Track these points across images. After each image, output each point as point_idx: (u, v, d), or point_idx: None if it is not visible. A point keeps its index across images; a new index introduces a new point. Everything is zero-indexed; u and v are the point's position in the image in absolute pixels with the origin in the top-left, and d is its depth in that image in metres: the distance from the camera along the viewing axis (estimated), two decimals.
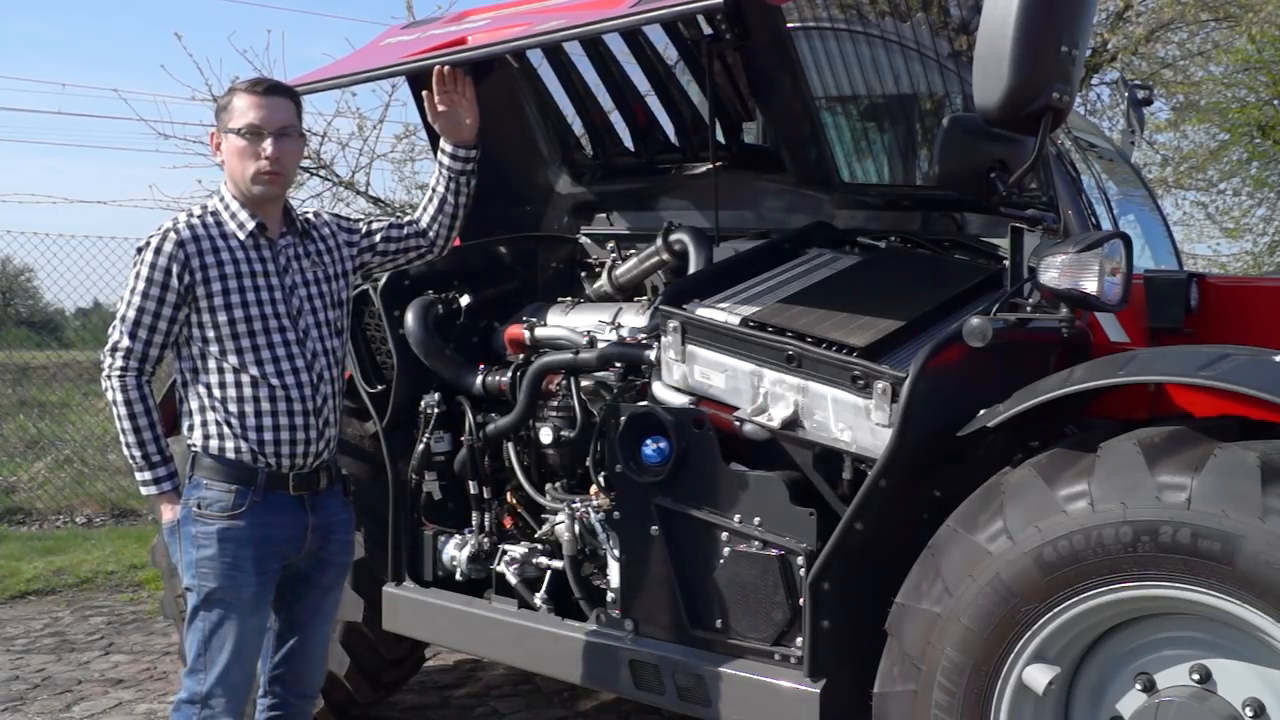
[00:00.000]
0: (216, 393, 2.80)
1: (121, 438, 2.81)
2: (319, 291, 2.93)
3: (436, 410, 3.77)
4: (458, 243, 3.98)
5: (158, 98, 21.23)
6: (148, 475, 2.81)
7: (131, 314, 2.76)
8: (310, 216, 3.03)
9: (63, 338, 13.65)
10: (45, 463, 9.50)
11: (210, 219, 2.83)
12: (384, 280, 3.74)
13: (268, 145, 2.78)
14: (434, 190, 3.20)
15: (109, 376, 2.79)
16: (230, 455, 2.80)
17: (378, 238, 3.13)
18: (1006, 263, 2.92)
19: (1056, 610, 2.40)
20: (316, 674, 3.10)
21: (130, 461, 2.83)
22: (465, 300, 3.98)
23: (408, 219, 3.22)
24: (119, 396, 2.77)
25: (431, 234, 3.20)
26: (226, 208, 2.85)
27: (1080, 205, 3.23)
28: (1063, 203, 3.05)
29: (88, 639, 5.67)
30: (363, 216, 3.25)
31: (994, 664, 2.46)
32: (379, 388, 3.89)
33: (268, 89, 2.83)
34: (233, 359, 2.78)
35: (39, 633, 5.81)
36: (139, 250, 2.80)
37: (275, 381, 2.80)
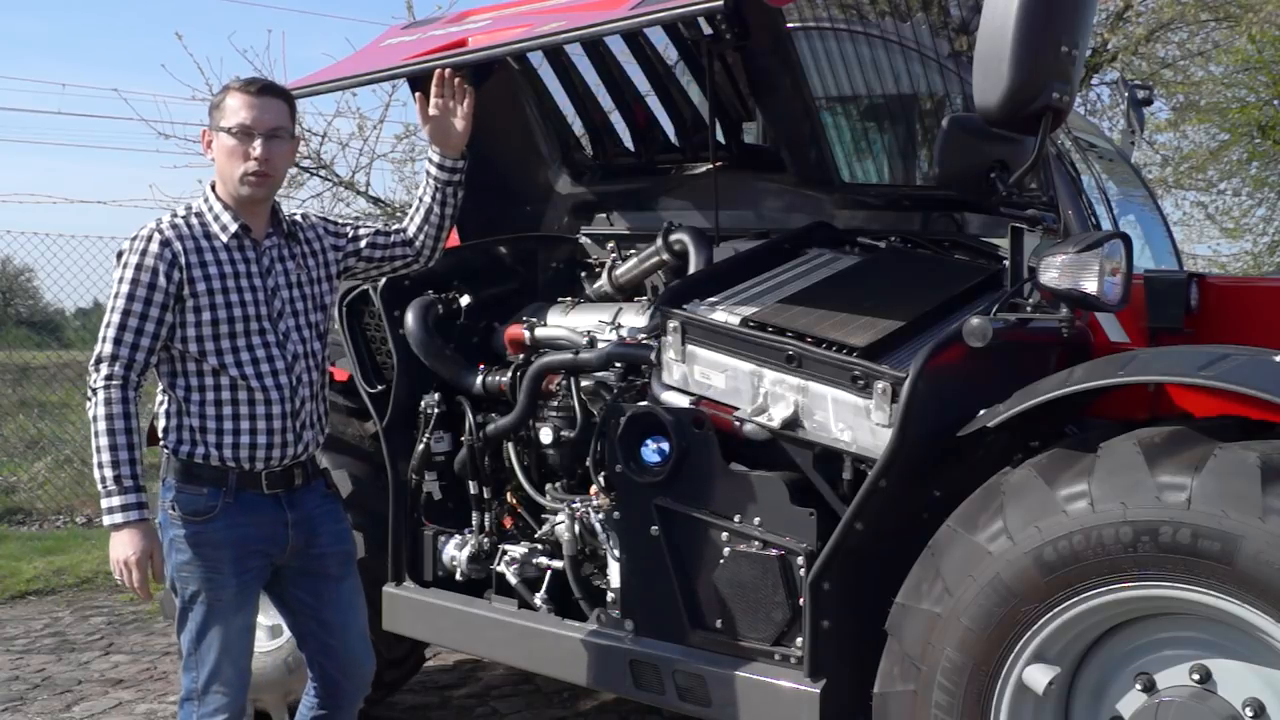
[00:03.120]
0: (195, 396, 2.76)
1: (95, 455, 2.65)
2: (302, 294, 2.90)
3: (436, 410, 3.77)
4: (456, 242, 3.98)
5: (158, 98, 21.32)
6: (116, 501, 2.64)
7: (116, 318, 2.69)
8: (298, 218, 3.00)
9: (63, 338, 13.68)
10: (45, 463, 9.49)
11: (194, 220, 2.80)
12: (384, 280, 3.73)
13: (257, 146, 2.75)
14: (420, 199, 3.14)
15: (94, 391, 2.68)
16: (199, 460, 2.75)
17: (363, 243, 3.07)
18: (1006, 263, 2.92)
19: (1056, 610, 2.40)
20: (365, 665, 3.03)
21: (99, 483, 2.66)
22: (465, 300, 3.98)
23: (395, 227, 3.17)
24: (100, 411, 2.65)
25: (418, 244, 3.14)
26: (210, 209, 2.82)
27: (1080, 205, 3.23)
28: (1063, 203, 3.04)
29: (88, 639, 5.67)
30: (351, 220, 3.19)
31: (994, 664, 2.46)
32: (379, 388, 3.89)
33: (261, 89, 2.80)
34: (212, 360, 2.74)
35: (39, 633, 5.81)
36: (120, 255, 2.74)
37: (255, 384, 2.76)
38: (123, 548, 2.67)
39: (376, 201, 9.24)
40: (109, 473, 2.65)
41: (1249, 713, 2.34)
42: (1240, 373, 2.40)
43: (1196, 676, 2.40)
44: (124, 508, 2.66)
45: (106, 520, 2.68)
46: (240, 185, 2.77)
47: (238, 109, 2.76)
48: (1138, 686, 2.47)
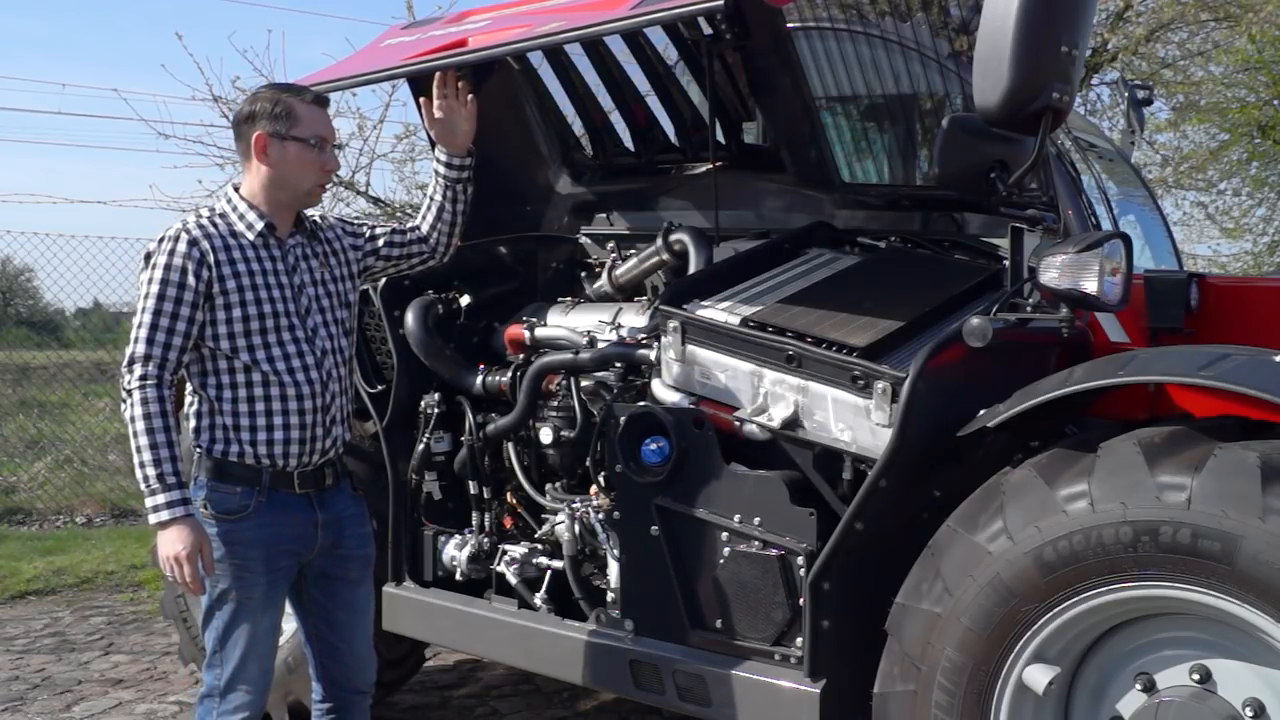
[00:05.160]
0: (227, 394, 2.78)
1: (135, 455, 2.66)
2: (326, 291, 2.94)
3: (436, 410, 3.77)
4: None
5: (158, 98, 21.35)
6: (161, 499, 2.63)
7: (148, 319, 2.69)
8: (318, 219, 3.05)
9: (63, 338, 13.66)
10: (45, 463, 9.50)
11: (219, 219, 2.83)
12: (383, 280, 3.74)
13: (331, 157, 2.86)
14: (431, 198, 3.21)
15: (129, 392, 2.67)
16: (233, 459, 2.78)
17: (381, 242, 3.13)
18: (1006, 263, 2.92)
19: (1056, 610, 2.40)
20: (368, 669, 3.07)
21: (142, 483, 2.65)
22: (465, 300, 3.98)
23: (410, 225, 3.23)
24: (137, 411, 2.64)
25: (433, 241, 3.20)
26: (234, 209, 2.85)
27: (1080, 205, 3.23)
28: (1063, 203, 3.05)
29: (88, 639, 5.67)
30: (366, 220, 3.24)
31: (994, 664, 2.47)
32: (379, 388, 3.89)
33: (324, 102, 2.91)
34: (244, 356, 2.77)
35: (39, 633, 5.81)
36: (148, 255, 2.77)
37: (286, 379, 2.80)
38: (171, 544, 2.65)
39: (376, 201, 9.24)
40: (151, 471, 2.64)
41: (1249, 713, 2.34)
42: (1240, 373, 2.40)
43: (1196, 676, 2.40)
44: (169, 504, 2.65)
45: (152, 519, 2.67)
46: (308, 195, 2.88)
47: (314, 121, 2.84)
48: (1138, 686, 2.47)
